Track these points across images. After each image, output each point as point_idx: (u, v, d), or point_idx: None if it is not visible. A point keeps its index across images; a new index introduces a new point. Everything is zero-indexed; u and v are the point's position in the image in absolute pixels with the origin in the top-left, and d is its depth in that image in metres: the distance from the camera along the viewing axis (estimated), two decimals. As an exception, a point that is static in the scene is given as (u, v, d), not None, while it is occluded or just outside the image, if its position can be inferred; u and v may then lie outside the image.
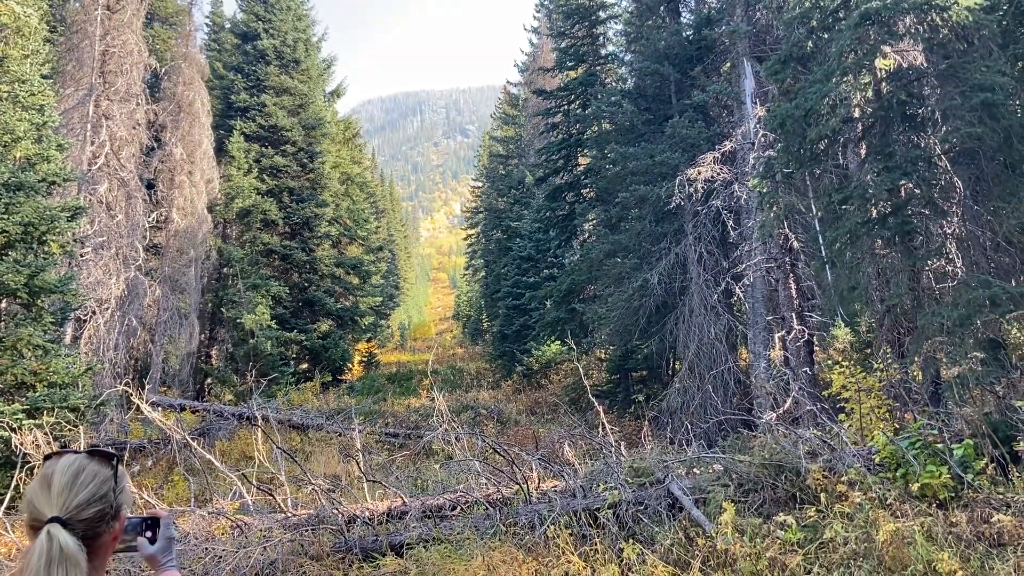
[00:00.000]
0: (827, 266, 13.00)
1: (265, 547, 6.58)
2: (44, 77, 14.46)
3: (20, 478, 8.66)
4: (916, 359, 10.51)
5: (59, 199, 15.75)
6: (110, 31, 22.04)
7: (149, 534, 2.02)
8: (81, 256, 19.59)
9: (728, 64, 19.86)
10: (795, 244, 16.18)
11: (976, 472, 6.25)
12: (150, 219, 23.12)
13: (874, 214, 10.82)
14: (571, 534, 6.45)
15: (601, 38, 27.51)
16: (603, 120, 23.43)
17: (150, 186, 24.29)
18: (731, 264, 17.94)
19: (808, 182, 13.68)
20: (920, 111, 10.87)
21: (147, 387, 20.40)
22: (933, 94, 10.82)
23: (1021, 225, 9.61)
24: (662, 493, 7.09)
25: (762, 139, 16.52)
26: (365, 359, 38.84)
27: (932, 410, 7.94)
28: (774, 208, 13.26)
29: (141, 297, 22.14)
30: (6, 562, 7.09)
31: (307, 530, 6.96)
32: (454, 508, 7.73)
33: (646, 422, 13.38)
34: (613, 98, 21.83)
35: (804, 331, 15.62)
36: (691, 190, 16.71)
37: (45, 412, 10.22)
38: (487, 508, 7.35)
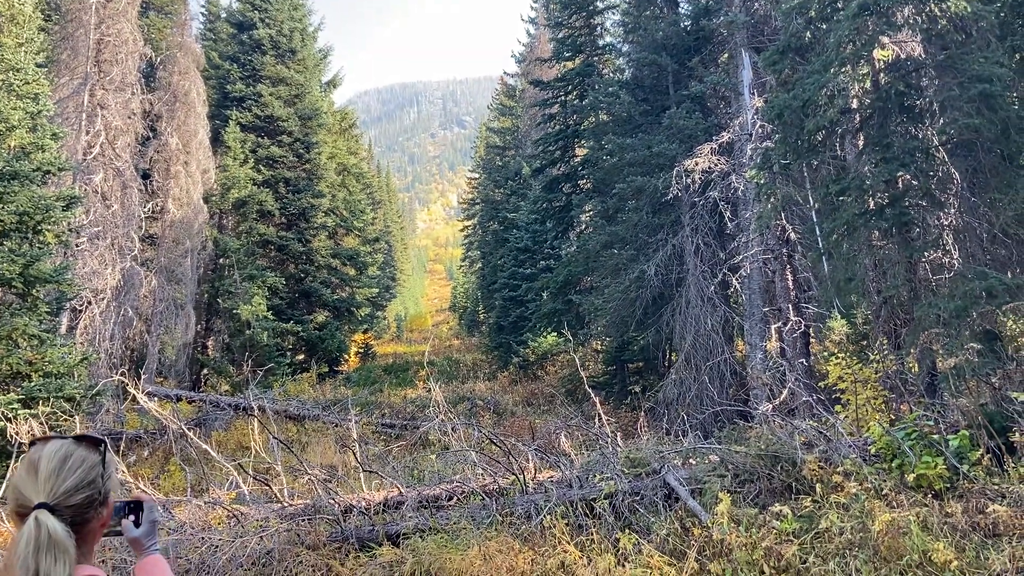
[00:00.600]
0: (824, 257, 13.00)
1: (261, 537, 6.58)
2: (39, 66, 14.36)
3: (15, 468, 8.64)
4: (912, 350, 10.52)
5: (54, 188, 15.69)
6: (105, 20, 21.89)
7: (132, 517, 2.01)
8: (76, 246, 19.52)
9: (726, 55, 19.81)
10: (792, 235, 16.18)
11: (972, 463, 6.27)
12: (146, 209, 23.04)
13: (871, 205, 10.81)
14: (567, 524, 6.45)
15: (599, 28, 27.40)
16: (600, 111, 23.39)
17: (146, 176, 24.20)
18: (728, 255, 17.93)
19: (805, 173, 13.66)
20: (918, 102, 10.84)
21: (143, 377, 20.36)
22: (931, 85, 10.79)
23: (1018, 216, 9.61)
24: (658, 483, 7.10)
25: (760, 130, 16.49)
26: (361, 350, 38.84)
27: (928, 401, 7.96)
28: (771, 199, 13.24)
29: (137, 287, 22.08)
30: (1, 552, 7.09)
31: (303, 520, 6.95)
32: (450, 498, 7.73)
33: (642, 413, 13.41)
34: (610, 89, 21.78)
35: (800, 322, 15.63)
36: (688, 181, 16.69)
37: (40, 402, 10.19)
38: (483, 498, 7.35)
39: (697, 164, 16.68)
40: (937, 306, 9.36)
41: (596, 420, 9.61)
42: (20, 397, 10.22)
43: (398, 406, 20.21)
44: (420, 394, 22.88)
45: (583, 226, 27.20)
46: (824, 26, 11.59)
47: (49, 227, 11.76)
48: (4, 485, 8.26)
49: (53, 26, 21.68)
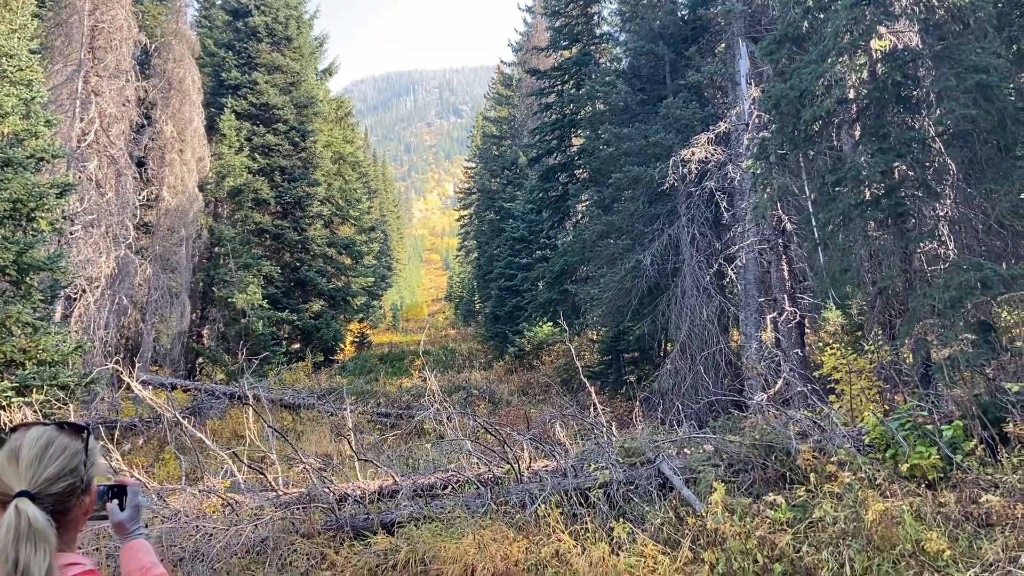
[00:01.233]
0: (819, 248, 12.99)
1: (256, 525, 6.58)
2: (32, 52, 14.25)
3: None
4: (907, 341, 10.54)
5: (48, 176, 15.61)
6: (99, 6, 21.76)
7: (116, 502, 1.99)
8: (71, 234, 19.45)
9: (723, 44, 19.74)
10: (788, 226, 16.18)
11: (965, 453, 6.28)
12: (140, 197, 22.96)
13: (867, 196, 10.81)
14: (562, 513, 6.46)
15: (596, 17, 27.28)
16: (597, 100, 23.29)
17: (140, 164, 24.10)
18: (724, 245, 17.93)
19: (802, 163, 13.64)
20: (915, 92, 10.83)
21: (138, 366, 20.29)
22: (928, 75, 10.77)
23: (1013, 207, 9.61)
24: (653, 473, 7.12)
25: (756, 120, 16.47)
26: (357, 339, 38.81)
27: (922, 392, 7.98)
28: (767, 189, 13.22)
29: (132, 276, 22.03)
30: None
31: (298, 508, 6.96)
32: (445, 487, 7.74)
33: (637, 403, 13.41)
34: (607, 78, 21.69)
35: (796, 313, 15.65)
36: (685, 171, 16.66)
37: (34, 390, 10.18)
38: (478, 487, 7.37)
39: (694, 154, 16.65)
40: (932, 297, 9.38)
41: (591, 410, 9.63)
42: (14, 385, 10.20)
43: (393, 395, 20.22)
44: (415, 383, 22.87)
45: (579, 216, 27.16)
46: (821, 15, 11.56)
47: (43, 214, 11.72)
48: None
49: (47, 12, 21.53)
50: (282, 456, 9.31)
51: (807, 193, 14.01)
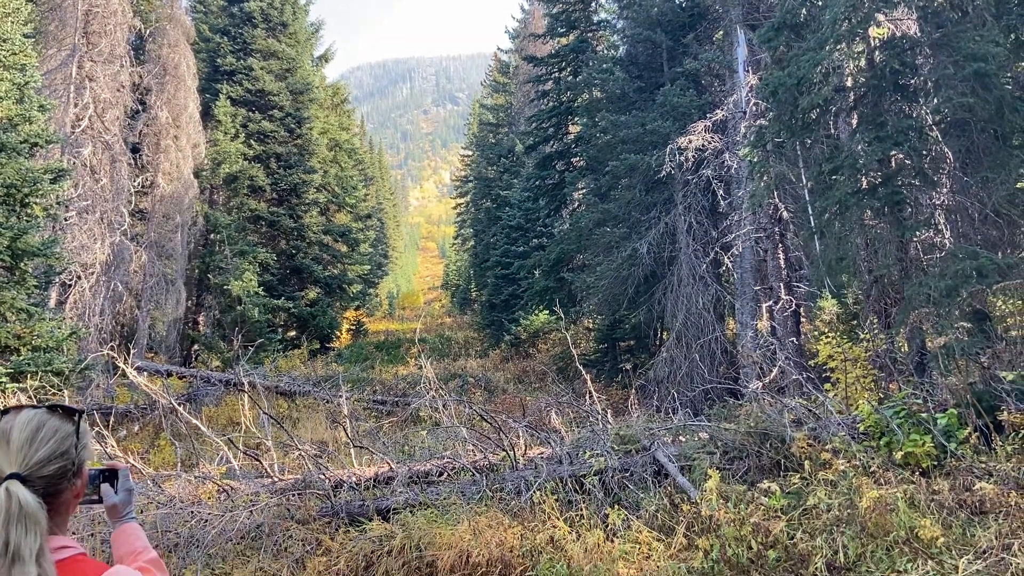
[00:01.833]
0: (816, 236, 12.99)
1: (251, 511, 6.58)
2: (26, 36, 14.14)
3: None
4: (902, 329, 10.56)
5: (42, 161, 15.52)
6: (93, -10, 21.57)
7: (109, 485, 1.99)
8: (65, 220, 19.37)
9: (721, 32, 19.68)
10: (784, 214, 16.17)
11: (959, 441, 6.30)
12: (135, 183, 22.84)
13: (864, 184, 10.80)
14: (557, 500, 6.48)
15: (593, 4, 27.15)
16: (594, 88, 23.21)
17: (135, 150, 23.97)
18: (720, 234, 17.93)
19: (799, 152, 13.61)
20: (912, 81, 10.81)
21: (133, 352, 20.30)
22: (926, 63, 10.75)
23: (1010, 196, 9.61)
24: (648, 460, 7.13)
25: (754, 108, 16.43)
26: (353, 327, 38.79)
27: (917, 380, 7.98)
28: (764, 178, 13.21)
29: (127, 262, 21.95)
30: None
31: (294, 495, 6.96)
32: (441, 474, 7.74)
33: (633, 391, 13.44)
34: (604, 65, 21.61)
35: (791, 301, 15.67)
36: (682, 159, 16.63)
37: (29, 376, 10.16)
38: (474, 474, 7.37)
39: (691, 142, 16.62)
40: (928, 285, 9.39)
41: (587, 397, 9.64)
42: (8, 371, 10.19)
43: (389, 383, 20.22)
44: (411, 371, 22.89)
45: (576, 204, 27.12)
46: (820, 3, 11.52)
47: (37, 200, 11.67)
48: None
49: (40, -4, 21.35)
50: (278, 443, 9.32)
51: (804, 181, 13.99)
